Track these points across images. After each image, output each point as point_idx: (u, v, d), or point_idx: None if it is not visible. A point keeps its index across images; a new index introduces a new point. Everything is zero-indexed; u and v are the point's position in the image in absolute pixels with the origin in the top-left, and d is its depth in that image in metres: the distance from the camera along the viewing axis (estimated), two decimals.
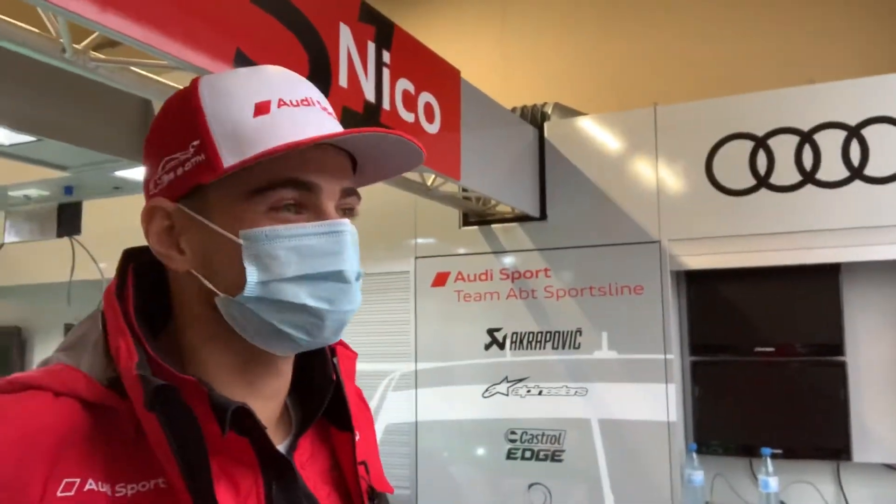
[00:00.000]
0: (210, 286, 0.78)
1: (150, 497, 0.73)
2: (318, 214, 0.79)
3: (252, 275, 0.76)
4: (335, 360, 0.91)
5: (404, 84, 2.36)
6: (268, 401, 0.84)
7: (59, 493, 0.69)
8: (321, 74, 1.97)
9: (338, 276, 0.79)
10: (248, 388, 0.81)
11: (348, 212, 0.83)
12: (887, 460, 3.10)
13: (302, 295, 0.77)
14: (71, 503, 0.69)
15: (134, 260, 0.84)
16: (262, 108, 0.78)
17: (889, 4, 4.42)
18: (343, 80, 2.06)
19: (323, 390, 0.88)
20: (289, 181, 0.77)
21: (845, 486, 3.14)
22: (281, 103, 0.79)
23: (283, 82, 0.82)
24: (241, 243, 0.77)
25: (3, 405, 0.72)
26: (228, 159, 0.76)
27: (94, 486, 0.71)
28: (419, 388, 3.63)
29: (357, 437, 0.93)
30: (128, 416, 0.74)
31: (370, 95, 2.19)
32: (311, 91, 0.84)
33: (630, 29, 5.12)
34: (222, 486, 0.76)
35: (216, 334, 0.80)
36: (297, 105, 0.80)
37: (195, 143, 0.78)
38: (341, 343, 0.97)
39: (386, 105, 2.26)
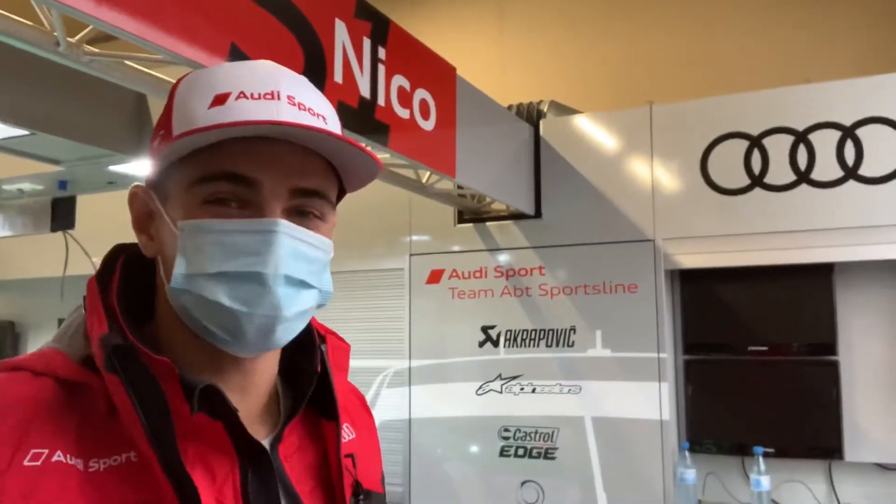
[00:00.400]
0: (162, 273, 0.80)
1: (122, 470, 0.73)
2: (258, 212, 0.77)
3: (180, 266, 0.76)
4: (324, 347, 0.91)
5: (400, 80, 2.36)
6: (242, 395, 0.83)
7: (25, 462, 0.70)
8: (316, 70, 1.97)
9: (256, 278, 0.75)
10: (217, 379, 0.81)
11: (301, 213, 0.80)
12: (879, 460, 3.11)
13: (219, 293, 0.75)
14: (37, 472, 0.70)
15: (125, 253, 0.85)
16: (219, 100, 0.77)
17: (885, 5, 4.43)
18: (338, 76, 2.06)
19: (308, 383, 0.88)
20: (222, 174, 0.76)
21: (837, 486, 3.15)
22: (240, 96, 0.77)
23: (255, 76, 0.80)
24: (177, 233, 0.77)
25: None
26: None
27: (62, 458, 0.72)
28: (413, 385, 3.63)
29: (352, 436, 0.94)
30: (101, 392, 0.76)
31: (365, 91, 2.18)
32: (287, 86, 0.80)
33: (626, 28, 5.13)
34: (199, 472, 0.76)
35: (180, 322, 0.80)
36: (258, 98, 0.78)
37: (161, 131, 0.80)
38: (334, 334, 0.96)
39: (381, 101, 2.26)
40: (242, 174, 0.76)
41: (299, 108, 0.79)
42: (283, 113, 0.78)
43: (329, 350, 0.91)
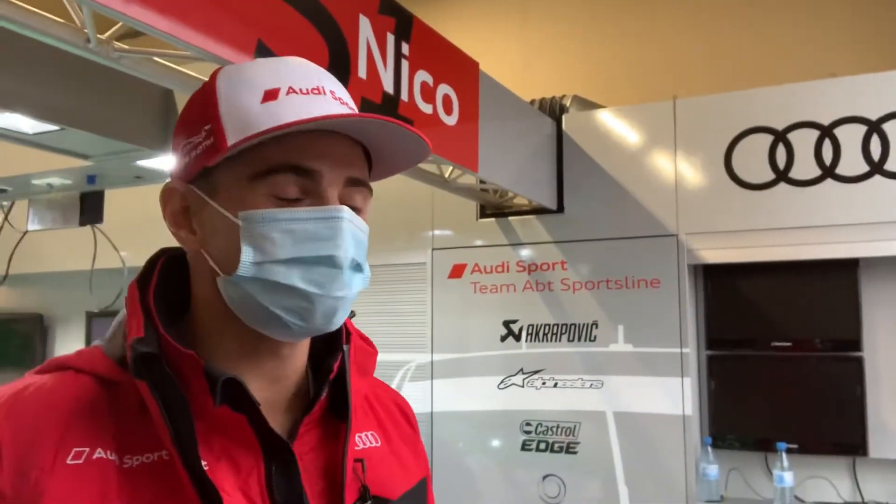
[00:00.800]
0: (213, 265, 0.81)
1: (153, 468, 0.76)
2: (319, 201, 0.80)
3: (247, 255, 0.78)
4: (346, 347, 0.92)
5: (423, 76, 2.38)
6: (272, 383, 0.86)
7: (68, 461, 0.74)
8: (341, 66, 1.98)
9: (329, 261, 0.79)
10: (251, 368, 0.84)
11: (354, 202, 0.84)
12: None
13: (293, 277, 0.78)
14: (79, 470, 0.74)
15: (166, 255, 0.89)
16: (270, 95, 0.80)
17: None
18: (362, 72, 2.07)
19: (335, 381, 0.89)
20: (289, 167, 0.79)
21: (861, 482, 3.13)
22: (290, 91, 0.81)
23: (297, 72, 0.84)
24: (239, 224, 0.79)
25: (34, 382, 0.80)
26: (232, 141, 0.79)
27: (102, 455, 0.75)
28: (435, 378, 3.65)
29: (376, 444, 0.94)
30: (135, 391, 0.79)
31: (389, 87, 2.20)
32: (327, 81, 0.85)
33: (649, 22, 5.10)
34: (224, 465, 0.79)
35: (221, 315, 0.82)
36: (307, 93, 0.81)
37: (207, 126, 0.81)
38: (363, 338, 0.97)
39: (404, 97, 2.27)
40: (307, 166, 0.79)
41: (340, 103, 0.84)
42: (333, 108, 0.82)
43: (351, 352, 0.92)
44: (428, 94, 2.40)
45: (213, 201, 0.81)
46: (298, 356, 0.89)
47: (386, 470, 0.94)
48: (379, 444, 0.95)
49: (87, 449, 0.74)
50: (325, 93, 0.83)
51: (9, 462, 0.72)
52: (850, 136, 3.06)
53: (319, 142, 0.80)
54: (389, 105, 2.20)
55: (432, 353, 3.67)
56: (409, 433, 1.05)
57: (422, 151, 0.87)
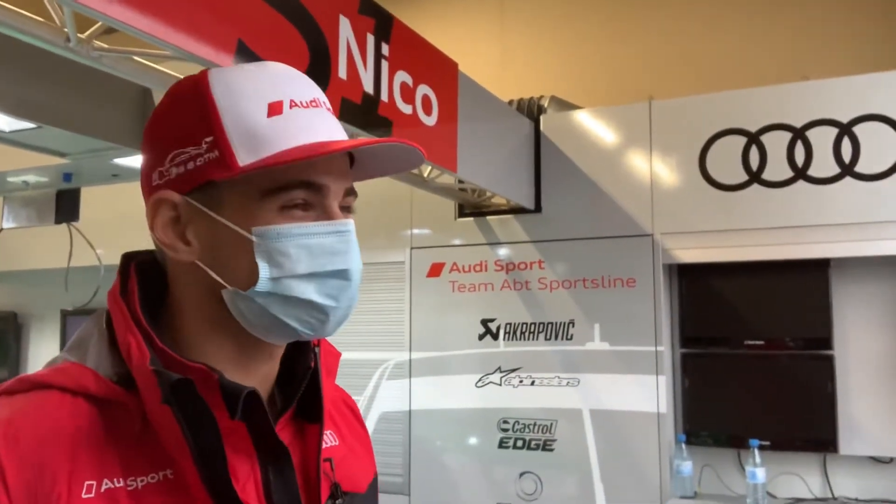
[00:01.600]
0: (217, 278, 0.80)
1: (159, 488, 0.76)
2: (324, 213, 0.81)
3: (264, 270, 0.78)
4: (317, 350, 0.93)
5: (403, 76, 2.39)
6: (260, 384, 0.86)
7: (83, 496, 0.72)
8: (321, 66, 1.99)
9: (343, 275, 0.81)
10: (241, 371, 0.83)
11: (346, 209, 0.85)
12: (873, 453, 3.15)
13: (310, 291, 0.79)
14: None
15: (134, 260, 0.86)
16: (274, 109, 0.80)
17: (883, 3, 4.45)
18: (342, 72, 2.08)
19: (302, 380, 0.90)
20: (301, 183, 0.79)
21: (831, 478, 3.19)
22: (292, 104, 0.81)
23: (292, 82, 0.84)
24: (253, 240, 0.79)
25: (18, 406, 0.76)
26: (244, 158, 0.78)
27: (110, 485, 0.74)
28: (413, 377, 3.66)
29: (335, 443, 0.96)
30: (135, 410, 0.77)
31: (369, 87, 2.21)
32: (316, 91, 0.85)
33: (626, 23, 5.14)
34: None
35: (216, 322, 0.82)
36: (307, 107, 0.82)
37: (208, 139, 0.79)
38: (326, 340, 0.98)
39: (384, 97, 2.28)
40: (317, 182, 0.80)
41: (331, 114, 0.86)
42: (330, 121, 0.84)
43: (321, 354, 0.94)
44: (407, 95, 2.41)
45: (219, 215, 0.80)
46: (279, 356, 0.90)
47: (348, 467, 0.95)
48: (338, 444, 0.97)
49: (95, 482, 0.73)
50: (321, 105, 0.84)
51: (18, 497, 0.70)
52: (822, 139, 3.11)
53: (325, 157, 0.81)
54: (369, 106, 2.22)
55: (410, 351, 3.68)
56: (359, 430, 1.06)
57: (415, 162, 0.89)
